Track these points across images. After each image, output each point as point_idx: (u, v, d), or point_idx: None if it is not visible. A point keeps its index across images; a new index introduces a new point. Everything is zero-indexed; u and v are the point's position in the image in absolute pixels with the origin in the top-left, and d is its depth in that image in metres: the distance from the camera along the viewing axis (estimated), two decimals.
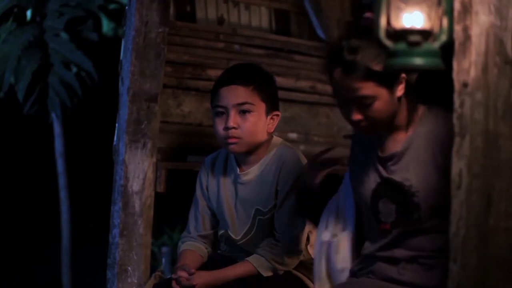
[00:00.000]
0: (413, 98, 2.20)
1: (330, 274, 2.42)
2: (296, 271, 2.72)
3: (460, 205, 1.69)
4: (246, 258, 2.68)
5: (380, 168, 2.24)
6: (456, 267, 1.68)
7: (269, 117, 2.69)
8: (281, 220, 2.66)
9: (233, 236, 2.76)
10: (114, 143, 3.08)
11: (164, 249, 5.74)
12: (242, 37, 3.66)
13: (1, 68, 4.79)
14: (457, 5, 1.71)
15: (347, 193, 2.42)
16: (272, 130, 2.72)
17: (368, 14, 2.17)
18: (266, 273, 2.65)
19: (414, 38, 1.80)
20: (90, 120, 7.04)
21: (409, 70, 2.00)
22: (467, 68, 1.70)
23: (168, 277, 2.78)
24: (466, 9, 1.70)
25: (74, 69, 5.06)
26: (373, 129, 2.20)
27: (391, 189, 2.21)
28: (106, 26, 5.83)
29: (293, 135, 3.75)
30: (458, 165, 1.71)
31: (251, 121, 2.64)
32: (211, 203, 2.82)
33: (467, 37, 1.70)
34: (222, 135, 2.65)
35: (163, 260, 5.66)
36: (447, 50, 1.79)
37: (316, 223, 2.50)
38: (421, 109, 2.23)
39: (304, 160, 2.71)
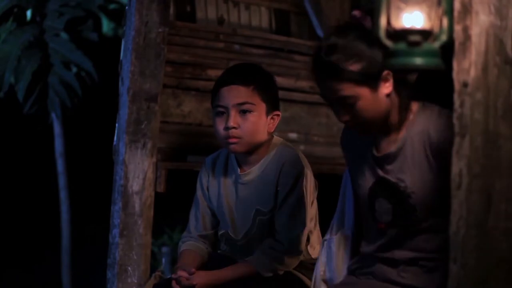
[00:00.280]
0: (406, 95, 2.17)
1: (326, 273, 2.42)
2: (296, 271, 2.72)
3: (460, 205, 1.69)
4: (246, 258, 2.68)
5: (376, 168, 2.23)
6: (456, 267, 1.68)
7: (269, 117, 2.69)
8: (281, 220, 2.66)
9: (233, 236, 2.76)
10: (114, 143, 3.08)
11: (164, 249, 5.74)
12: (242, 37, 3.66)
13: (1, 68, 4.79)
14: (457, 5, 1.71)
15: (348, 191, 2.42)
16: (272, 130, 2.72)
17: (355, 12, 2.15)
18: (266, 273, 2.65)
19: (414, 38, 1.80)
20: (90, 120, 7.03)
21: (409, 70, 2.00)
22: (467, 68, 1.70)
23: (168, 277, 2.78)
24: (466, 9, 1.70)
25: (74, 69, 5.06)
26: (363, 128, 2.19)
27: (387, 189, 2.20)
28: (106, 26, 5.83)
29: (293, 135, 3.75)
30: (458, 165, 1.70)
31: (251, 121, 2.64)
32: (211, 203, 2.82)
33: (467, 37, 1.70)
34: (223, 135, 2.65)
35: (163, 260, 5.66)
36: (447, 50, 1.79)
37: None
38: (415, 107, 2.19)
39: (304, 160, 2.71)
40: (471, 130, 1.70)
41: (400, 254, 2.21)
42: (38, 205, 7.12)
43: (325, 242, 2.45)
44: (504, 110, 1.72)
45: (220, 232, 2.81)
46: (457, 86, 1.71)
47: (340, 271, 2.40)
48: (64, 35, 5.09)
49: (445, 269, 1.83)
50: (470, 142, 1.70)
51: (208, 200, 2.82)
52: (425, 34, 1.81)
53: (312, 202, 2.72)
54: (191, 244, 2.81)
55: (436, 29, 1.81)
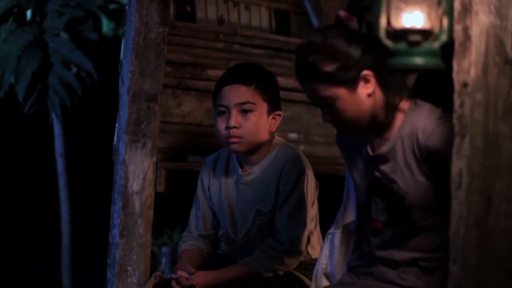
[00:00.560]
0: (392, 95, 2.14)
1: (328, 267, 2.42)
2: (296, 271, 2.72)
3: (460, 205, 1.69)
4: (246, 259, 2.68)
5: (371, 167, 2.22)
6: (456, 267, 1.68)
7: (270, 116, 2.69)
8: (282, 220, 2.66)
9: (233, 236, 2.76)
10: (114, 143, 3.08)
11: (164, 249, 5.75)
12: (242, 37, 3.66)
13: (1, 68, 4.80)
14: (457, 5, 1.71)
15: (351, 186, 2.42)
16: (274, 130, 2.72)
17: (341, 13, 2.15)
18: (266, 274, 2.65)
19: (414, 38, 1.80)
20: (90, 120, 7.04)
21: (409, 70, 2.00)
22: (467, 68, 1.70)
23: (168, 277, 2.78)
24: (466, 9, 1.70)
25: (74, 69, 5.06)
26: (347, 129, 2.18)
27: (381, 189, 2.19)
28: (106, 26, 5.84)
29: (293, 135, 3.75)
30: (458, 165, 1.70)
31: (252, 121, 2.64)
32: (212, 203, 2.81)
33: (467, 37, 1.70)
34: (224, 134, 2.65)
35: (163, 260, 5.66)
36: (447, 50, 1.79)
37: None
38: (406, 106, 2.16)
39: (305, 160, 2.71)
40: (471, 130, 1.70)
41: (399, 254, 2.21)
42: (38, 205, 7.12)
43: (329, 236, 2.45)
44: (504, 110, 1.72)
45: (220, 232, 2.81)
46: (457, 86, 1.71)
47: (341, 266, 2.40)
48: (64, 35, 5.09)
49: (445, 270, 1.83)
50: (470, 142, 1.70)
51: (209, 200, 2.82)
52: (425, 34, 1.81)
53: (313, 203, 2.72)
54: (191, 244, 2.81)
55: (436, 29, 1.81)
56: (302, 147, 3.63)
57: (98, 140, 5.38)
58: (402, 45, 1.82)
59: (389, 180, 2.16)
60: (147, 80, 3.04)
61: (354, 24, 2.09)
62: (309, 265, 2.69)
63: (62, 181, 5.73)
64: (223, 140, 2.68)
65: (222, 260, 2.76)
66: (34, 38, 4.92)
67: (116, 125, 3.08)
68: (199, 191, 2.84)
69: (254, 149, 2.69)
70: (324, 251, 2.45)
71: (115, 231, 3.01)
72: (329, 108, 2.13)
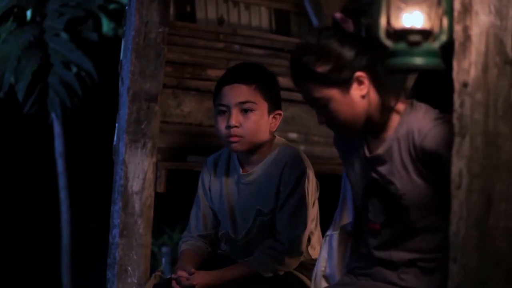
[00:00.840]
0: (388, 96, 2.14)
1: (327, 269, 2.42)
2: (297, 271, 2.72)
3: (460, 205, 1.69)
4: (247, 259, 2.68)
5: (368, 168, 2.22)
6: (456, 267, 1.68)
7: (271, 116, 2.69)
8: (282, 220, 2.66)
9: (233, 236, 2.76)
10: (114, 143, 3.08)
11: (164, 249, 5.75)
12: (242, 37, 3.66)
13: (1, 68, 4.80)
14: (457, 5, 1.71)
15: (347, 188, 2.42)
16: (274, 129, 2.72)
17: (337, 15, 2.15)
18: (266, 274, 2.65)
19: (414, 38, 1.80)
20: (90, 120, 7.04)
21: (409, 70, 2.00)
22: (467, 68, 1.70)
23: (168, 277, 2.78)
24: (466, 9, 1.70)
25: (74, 69, 5.06)
26: (341, 130, 2.18)
27: (379, 190, 2.19)
28: (106, 26, 5.83)
29: (293, 135, 3.75)
30: (458, 165, 1.70)
31: (253, 120, 2.64)
32: (213, 203, 2.81)
33: (467, 37, 1.70)
34: (224, 133, 2.65)
35: (163, 260, 5.66)
36: (447, 50, 1.79)
37: None
38: (402, 107, 2.16)
39: (306, 161, 2.71)
40: (471, 130, 1.70)
41: (397, 255, 2.20)
42: (38, 205, 7.12)
43: (327, 238, 2.45)
44: (504, 110, 1.72)
45: (220, 232, 2.81)
46: (457, 86, 1.71)
47: (340, 268, 2.40)
48: (64, 35, 5.09)
49: (444, 270, 1.83)
50: (470, 142, 1.70)
51: (210, 200, 2.82)
52: (425, 34, 1.81)
53: (314, 203, 2.72)
54: (192, 244, 2.81)
55: (436, 29, 1.81)
56: (302, 147, 3.63)
57: (98, 140, 5.39)
58: (402, 45, 1.82)
59: (386, 181, 2.16)
60: (147, 80, 3.04)
61: (349, 26, 2.10)
62: (309, 265, 2.69)
63: (62, 181, 5.73)
64: (223, 140, 2.68)
65: (222, 260, 2.76)
66: (34, 38, 4.92)
67: (116, 125, 3.09)
68: (200, 191, 2.84)
69: (255, 149, 2.69)
70: (323, 253, 2.45)
71: (115, 231, 3.01)
72: (321, 109, 2.14)
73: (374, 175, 2.20)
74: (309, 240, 2.71)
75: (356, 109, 2.12)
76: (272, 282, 2.65)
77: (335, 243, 2.41)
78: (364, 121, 2.14)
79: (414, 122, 2.12)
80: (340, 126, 2.16)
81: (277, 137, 2.76)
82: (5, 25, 4.90)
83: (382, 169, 2.17)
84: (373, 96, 2.13)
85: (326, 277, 2.43)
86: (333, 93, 2.10)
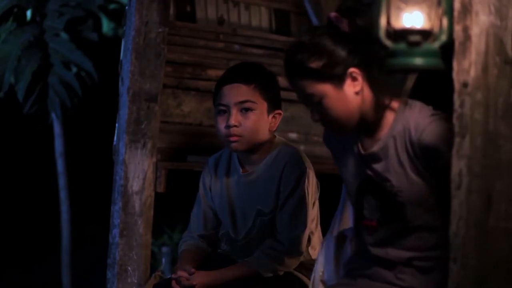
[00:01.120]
0: (381, 93, 2.14)
1: (324, 274, 2.42)
2: (297, 272, 2.72)
3: (460, 205, 1.69)
4: (247, 259, 2.68)
5: (363, 166, 2.21)
6: (456, 267, 1.68)
7: (271, 115, 2.69)
8: (282, 220, 2.66)
9: (233, 236, 2.76)
10: (114, 143, 3.08)
11: (164, 249, 5.75)
12: (242, 37, 3.66)
13: (1, 68, 4.80)
14: (457, 5, 1.71)
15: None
16: (274, 129, 2.72)
17: (331, 15, 2.16)
18: (266, 274, 2.65)
19: (414, 38, 1.81)
20: (90, 120, 7.04)
21: (409, 70, 2.00)
22: (467, 68, 1.70)
23: (168, 277, 2.78)
24: (466, 9, 1.70)
25: (74, 69, 5.07)
26: (336, 128, 2.18)
27: (374, 187, 2.19)
28: (106, 26, 5.84)
29: (293, 135, 3.75)
30: (458, 165, 1.71)
31: (252, 119, 2.64)
32: (213, 203, 2.81)
33: (467, 37, 1.70)
34: (224, 133, 2.65)
35: (163, 260, 5.66)
36: (447, 50, 1.79)
37: None
38: (396, 104, 2.16)
39: (307, 160, 2.71)
40: (471, 130, 1.70)
41: (394, 253, 2.19)
42: (38, 205, 7.12)
43: (324, 243, 2.45)
44: (504, 110, 1.72)
45: (221, 232, 2.81)
46: (457, 86, 1.71)
47: (337, 272, 2.40)
48: (64, 35, 5.10)
49: (442, 269, 1.83)
50: (470, 142, 1.70)
51: (210, 200, 2.82)
52: (425, 34, 1.81)
53: (314, 203, 2.72)
54: (192, 244, 2.81)
55: (436, 29, 1.81)
56: (302, 147, 3.63)
57: (98, 140, 5.39)
58: (402, 45, 1.82)
59: (382, 178, 2.16)
60: (147, 80, 3.04)
61: (344, 25, 2.10)
62: (309, 266, 2.69)
63: (62, 181, 5.74)
64: (223, 139, 2.68)
65: (222, 260, 2.76)
66: (34, 38, 4.93)
67: (116, 125, 3.09)
68: (201, 191, 2.84)
69: (255, 149, 2.69)
70: (320, 258, 2.45)
71: (115, 231, 3.01)
72: (315, 106, 2.14)
73: (368, 172, 2.19)
74: (309, 240, 2.71)
75: (350, 106, 2.12)
76: (272, 282, 2.65)
77: (332, 248, 2.41)
78: (358, 118, 2.15)
79: (410, 119, 2.12)
80: (334, 123, 2.16)
81: (277, 137, 2.76)
82: (5, 25, 4.90)
83: (377, 166, 2.17)
84: (367, 93, 2.13)
85: (324, 282, 2.43)
86: (327, 89, 2.11)
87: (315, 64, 2.10)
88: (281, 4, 3.86)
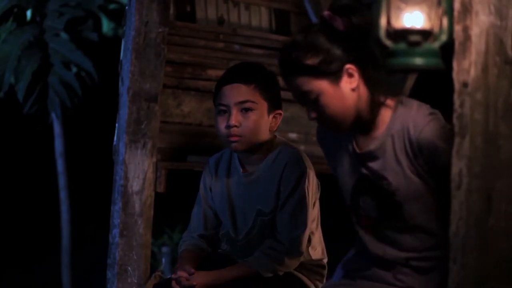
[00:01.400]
0: (377, 91, 2.14)
1: None
2: (297, 272, 2.71)
3: (460, 205, 1.69)
4: (247, 259, 2.68)
5: (358, 164, 2.21)
6: (456, 267, 1.68)
7: (271, 115, 2.69)
8: (283, 220, 2.66)
9: (234, 236, 2.76)
10: (114, 143, 3.08)
11: (164, 249, 5.75)
12: (242, 37, 3.67)
13: (1, 68, 4.80)
14: (457, 5, 1.71)
15: None
16: (274, 129, 2.72)
17: (325, 13, 2.16)
18: (266, 274, 2.64)
19: (414, 38, 1.81)
20: (90, 120, 7.04)
21: (409, 70, 2.00)
22: (467, 68, 1.70)
23: (168, 277, 2.78)
24: (466, 9, 1.70)
25: (74, 69, 5.07)
26: (332, 125, 2.17)
27: (370, 186, 2.18)
28: (106, 26, 5.84)
29: (293, 135, 3.75)
30: (458, 165, 1.71)
31: (252, 119, 2.64)
32: (214, 204, 2.81)
33: (467, 37, 1.70)
34: (224, 133, 2.65)
35: (163, 260, 5.66)
36: (447, 50, 1.79)
37: None
38: (392, 103, 2.16)
39: (307, 160, 2.71)
40: (471, 130, 1.70)
41: (392, 252, 2.19)
42: (38, 205, 7.12)
43: None
44: (504, 110, 1.72)
45: (221, 232, 2.81)
46: (457, 86, 1.71)
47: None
48: (64, 35, 5.10)
49: (441, 269, 1.83)
50: (470, 142, 1.70)
51: (211, 200, 2.82)
52: (425, 34, 1.81)
53: (314, 203, 2.71)
54: (192, 244, 2.81)
55: (436, 29, 1.81)
56: (302, 147, 3.63)
57: (98, 140, 5.39)
58: (402, 45, 1.82)
59: (378, 177, 2.15)
60: (147, 80, 3.04)
61: (338, 23, 2.10)
62: (309, 266, 2.69)
63: (62, 181, 5.74)
64: (223, 139, 2.68)
65: (222, 260, 2.76)
66: (34, 38, 4.93)
67: (116, 125, 3.09)
68: (201, 191, 2.84)
69: (255, 149, 2.69)
70: None
71: (115, 231, 3.01)
72: (312, 103, 2.14)
73: (364, 171, 2.19)
74: (309, 240, 2.71)
75: (346, 103, 2.12)
76: (272, 282, 2.64)
77: None
78: (354, 116, 2.14)
79: (408, 117, 2.12)
80: (331, 121, 2.15)
81: (277, 137, 2.76)
82: (5, 25, 4.90)
83: (374, 165, 2.16)
84: (363, 90, 2.13)
85: None
86: (323, 85, 2.11)
87: (311, 61, 2.10)
88: (281, 4, 3.87)
